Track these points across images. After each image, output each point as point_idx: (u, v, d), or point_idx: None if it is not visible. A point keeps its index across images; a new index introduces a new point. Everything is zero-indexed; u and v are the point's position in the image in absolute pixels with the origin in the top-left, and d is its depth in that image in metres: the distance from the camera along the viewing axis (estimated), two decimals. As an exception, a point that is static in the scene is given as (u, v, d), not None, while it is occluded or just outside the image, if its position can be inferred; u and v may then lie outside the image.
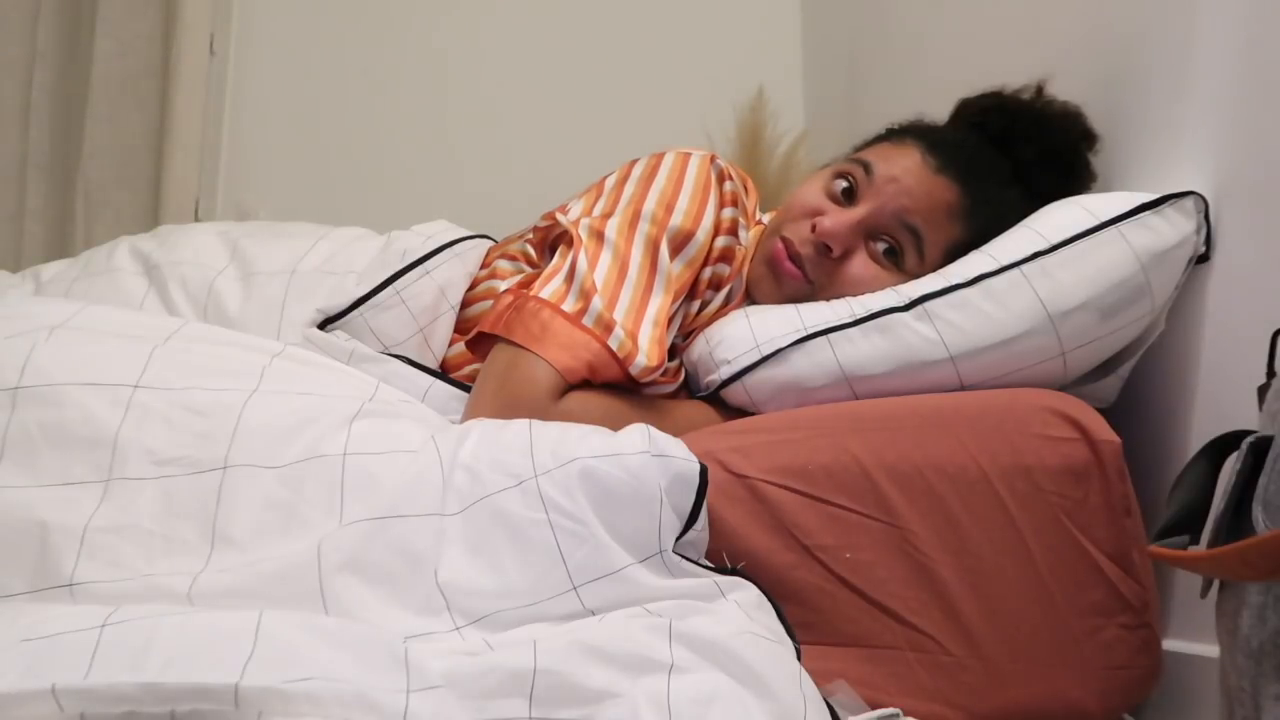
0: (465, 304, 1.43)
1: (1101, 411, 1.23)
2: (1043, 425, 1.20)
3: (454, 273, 1.42)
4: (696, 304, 1.39)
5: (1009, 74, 1.50)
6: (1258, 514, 0.80)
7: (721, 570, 1.06)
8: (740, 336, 1.33)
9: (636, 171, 1.39)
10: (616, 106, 2.72)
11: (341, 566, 0.98)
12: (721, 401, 1.35)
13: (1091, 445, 1.18)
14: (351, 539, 1.00)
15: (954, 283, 1.30)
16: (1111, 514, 1.17)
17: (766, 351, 1.31)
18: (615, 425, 1.12)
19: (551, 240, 1.37)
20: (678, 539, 1.04)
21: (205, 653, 0.83)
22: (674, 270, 1.33)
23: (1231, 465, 0.86)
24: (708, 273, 1.38)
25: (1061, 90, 1.47)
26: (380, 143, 2.75)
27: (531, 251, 1.44)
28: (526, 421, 1.13)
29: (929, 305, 1.29)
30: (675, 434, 1.11)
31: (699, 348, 1.36)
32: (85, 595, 0.95)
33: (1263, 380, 0.92)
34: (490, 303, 1.38)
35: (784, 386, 1.30)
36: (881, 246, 1.38)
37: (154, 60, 2.59)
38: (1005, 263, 1.29)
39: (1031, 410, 1.21)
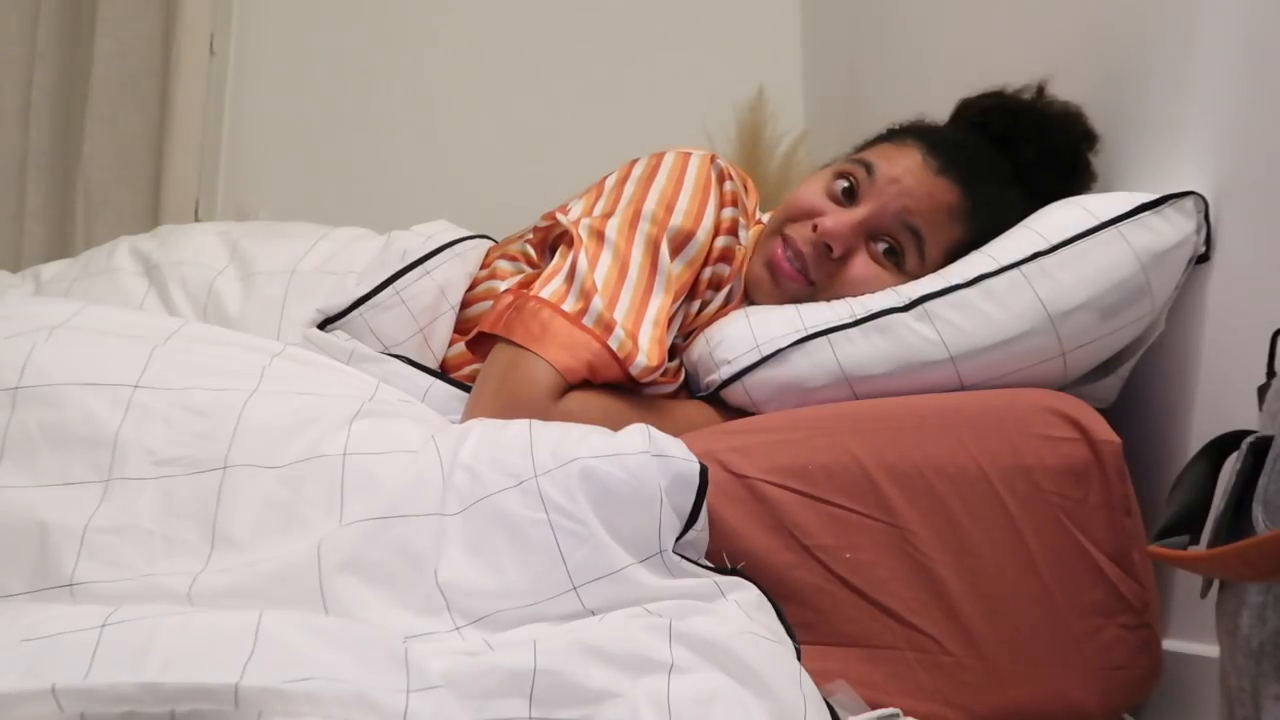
0: (465, 304, 1.43)
1: (1101, 411, 1.23)
2: (1043, 425, 1.20)
3: (454, 273, 1.42)
4: (696, 304, 1.39)
5: (1009, 74, 1.50)
6: (1258, 514, 0.80)
7: (721, 570, 1.06)
8: (740, 337, 1.33)
9: (637, 171, 1.39)
10: (616, 106, 2.73)
11: (341, 566, 0.98)
12: (721, 401, 1.35)
13: (1091, 445, 1.18)
14: (352, 539, 1.00)
15: (954, 283, 1.30)
16: (1111, 514, 1.17)
17: (766, 352, 1.31)
18: (615, 425, 1.12)
19: (552, 240, 1.37)
20: (678, 539, 1.05)
21: (205, 653, 0.83)
22: (674, 270, 1.33)
23: (1231, 465, 0.86)
24: (708, 273, 1.38)
25: (1061, 90, 1.47)
26: (380, 143, 2.75)
27: (531, 252, 1.44)
28: (526, 421, 1.13)
29: (929, 305, 1.29)
30: (675, 434, 1.11)
31: (699, 348, 1.36)
32: (85, 595, 0.95)
33: (1263, 380, 0.92)
34: (490, 303, 1.38)
35: (784, 387, 1.30)
36: (882, 247, 1.38)
37: (154, 60, 2.60)
38: (1005, 263, 1.29)
39: (1031, 410, 1.21)
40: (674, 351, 1.37)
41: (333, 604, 0.96)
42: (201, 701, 0.80)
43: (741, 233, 1.40)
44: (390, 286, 1.37)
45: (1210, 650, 0.99)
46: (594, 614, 1.00)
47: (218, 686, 0.80)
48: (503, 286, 1.40)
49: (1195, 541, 0.87)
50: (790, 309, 1.35)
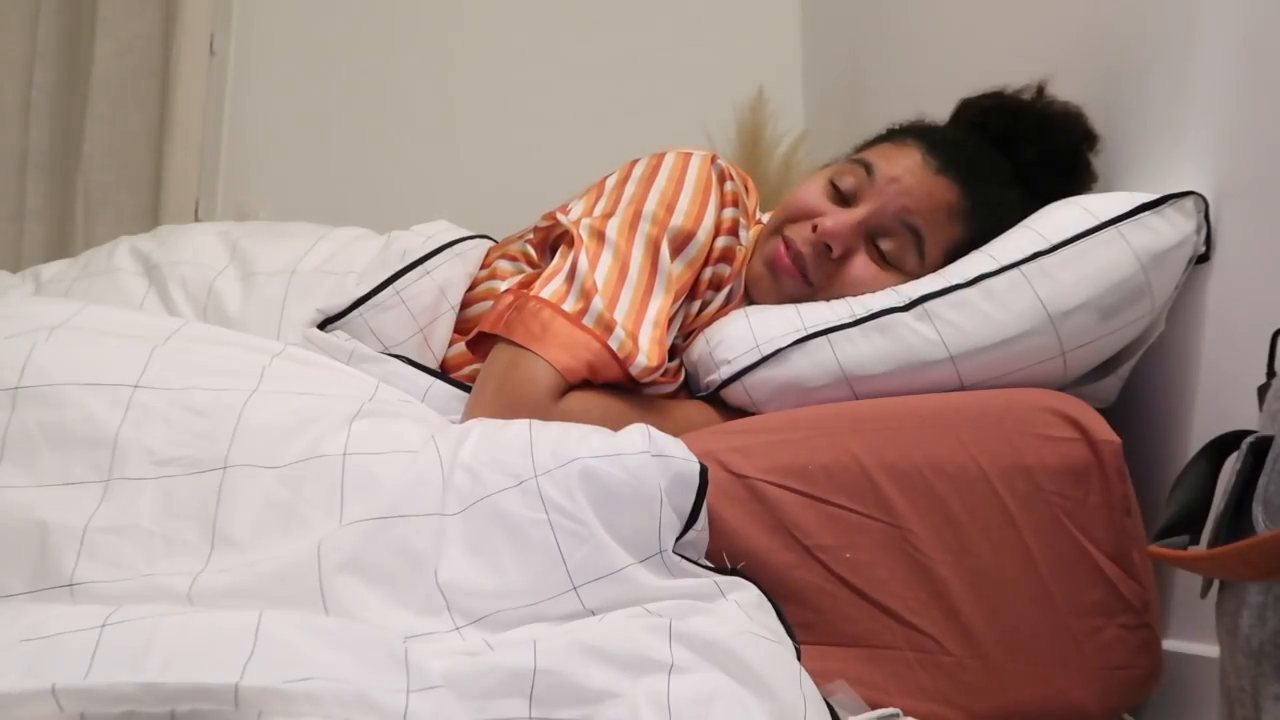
0: (465, 304, 1.43)
1: (1101, 411, 1.23)
2: (1043, 425, 1.20)
3: (454, 273, 1.42)
4: (697, 304, 1.38)
5: (1009, 74, 1.50)
6: (1258, 514, 0.80)
7: (721, 570, 1.06)
8: (740, 336, 1.33)
9: (637, 172, 1.39)
10: (616, 106, 2.73)
11: (341, 566, 0.98)
12: (721, 401, 1.35)
13: (1091, 445, 1.18)
14: (351, 539, 1.00)
15: (954, 283, 1.30)
16: (1111, 514, 1.17)
17: (766, 351, 1.31)
18: (615, 425, 1.12)
19: (552, 240, 1.37)
20: (678, 539, 1.04)
21: (205, 653, 0.83)
22: (674, 270, 1.33)
23: (1231, 465, 0.86)
24: (708, 273, 1.38)
25: (1061, 90, 1.47)
26: (380, 142, 2.75)
27: (532, 252, 1.44)
28: (526, 421, 1.13)
29: (929, 305, 1.29)
30: (675, 434, 1.11)
31: (699, 348, 1.36)
32: (85, 595, 0.95)
33: (1263, 380, 0.92)
34: (490, 303, 1.38)
35: (784, 386, 1.30)
36: (882, 247, 1.38)
37: (154, 60, 2.60)
38: (1005, 263, 1.29)
39: (1031, 410, 1.21)
40: (674, 351, 1.37)
41: (333, 604, 0.96)
42: (201, 701, 0.80)
43: (742, 233, 1.40)
44: (390, 286, 1.37)
45: (1210, 650, 0.99)
46: (594, 614, 1.00)
47: (218, 686, 0.80)
48: (503, 286, 1.40)
49: (1195, 541, 0.87)
50: (790, 309, 1.35)
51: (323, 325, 1.35)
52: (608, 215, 1.34)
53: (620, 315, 1.27)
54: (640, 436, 1.07)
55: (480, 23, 2.81)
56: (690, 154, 1.41)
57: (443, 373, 1.36)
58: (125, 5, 2.58)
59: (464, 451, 1.07)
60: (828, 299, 1.37)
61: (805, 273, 1.39)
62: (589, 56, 2.79)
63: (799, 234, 1.39)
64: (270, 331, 1.37)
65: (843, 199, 1.40)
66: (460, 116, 2.77)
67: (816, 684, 0.96)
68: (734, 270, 1.40)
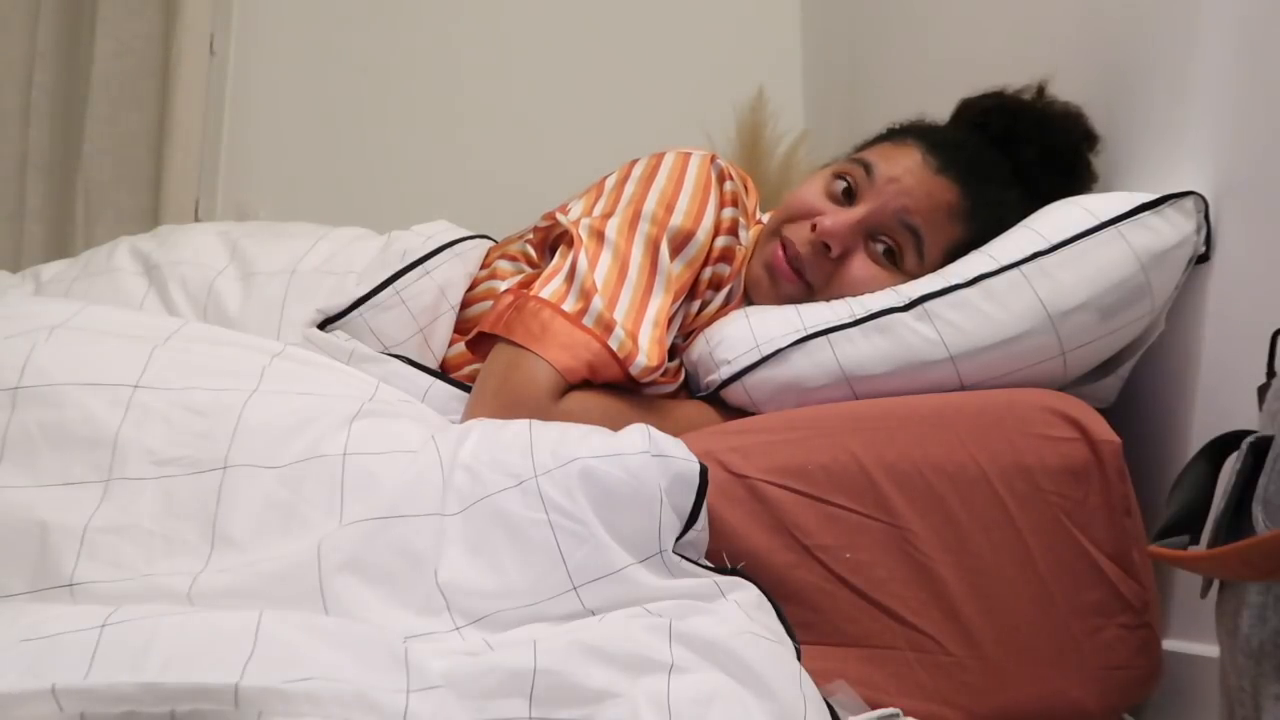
0: (465, 304, 1.43)
1: (1101, 411, 1.23)
2: (1043, 425, 1.20)
3: (454, 273, 1.42)
4: (696, 304, 1.39)
5: (1009, 74, 1.50)
6: (1258, 514, 0.80)
7: (721, 570, 1.06)
8: (740, 336, 1.33)
9: (637, 171, 1.39)
10: (616, 106, 2.73)
11: (341, 566, 0.98)
12: (721, 401, 1.35)
13: (1091, 445, 1.18)
14: (351, 539, 1.00)
15: (954, 283, 1.30)
16: (1111, 514, 1.17)
17: (766, 352, 1.31)
18: (615, 425, 1.12)
19: (552, 240, 1.37)
20: (678, 539, 1.05)
21: (205, 653, 0.83)
22: (674, 270, 1.33)
23: (1231, 465, 0.86)
24: (708, 273, 1.38)
25: (1061, 90, 1.47)
26: (380, 142, 2.75)
27: (531, 252, 1.44)
28: (526, 421, 1.13)
29: (929, 305, 1.29)
30: (675, 434, 1.11)
31: (699, 348, 1.36)
32: (85, 595, 0.95)
33: (1263, 380, 0.92)
34: (490, 303, 1.38)
35: (784, 386, 1.30)
36: (881, 247, 1.38)
37: (154, 60, 2.60)
38: (1005, 263, 1.29)
39: (1031, 410, 1.21)
40: (674, 351, 1.37)
41: (333, 604, 0.96)
42: (201, 701, 0.80)
43: (741, 233, 1.40)
44: (390, 286, 1.37)
45: (1210, 650, 0.99)
46: (594, 614, 1.00)
47: (218, 686, 0.80)
48: (503, 286, 1.40)
49: (1195, 541, 0.87)
50: (790, 309, 1.35)
51: (323, 325, 1.35)
52: (607, 215, 1.34)
53: (620, 315, 1.27)
54: (640, 436, 1.07)
55: (480, 23, 2.81)
56: (690, 154, 1.41)
57: (443, 373, 1.36)
58: (125, 5, 2.58)
59: (464, 451, 1.07)
60: (827, 299, 1.37)
61: (804, 273, 1.39)
62: (589, 56, 2.79)
63: (798, 233, 1.39)
64: (270, 331, 1.37)
65: (842, 199, 1.40)
66: (460, 116, 2.77)
67: (816, 684, 0.97)
68: (734, 270, 1.40)
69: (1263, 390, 0.91)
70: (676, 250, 1.33)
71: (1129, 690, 1.18)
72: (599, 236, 1.31)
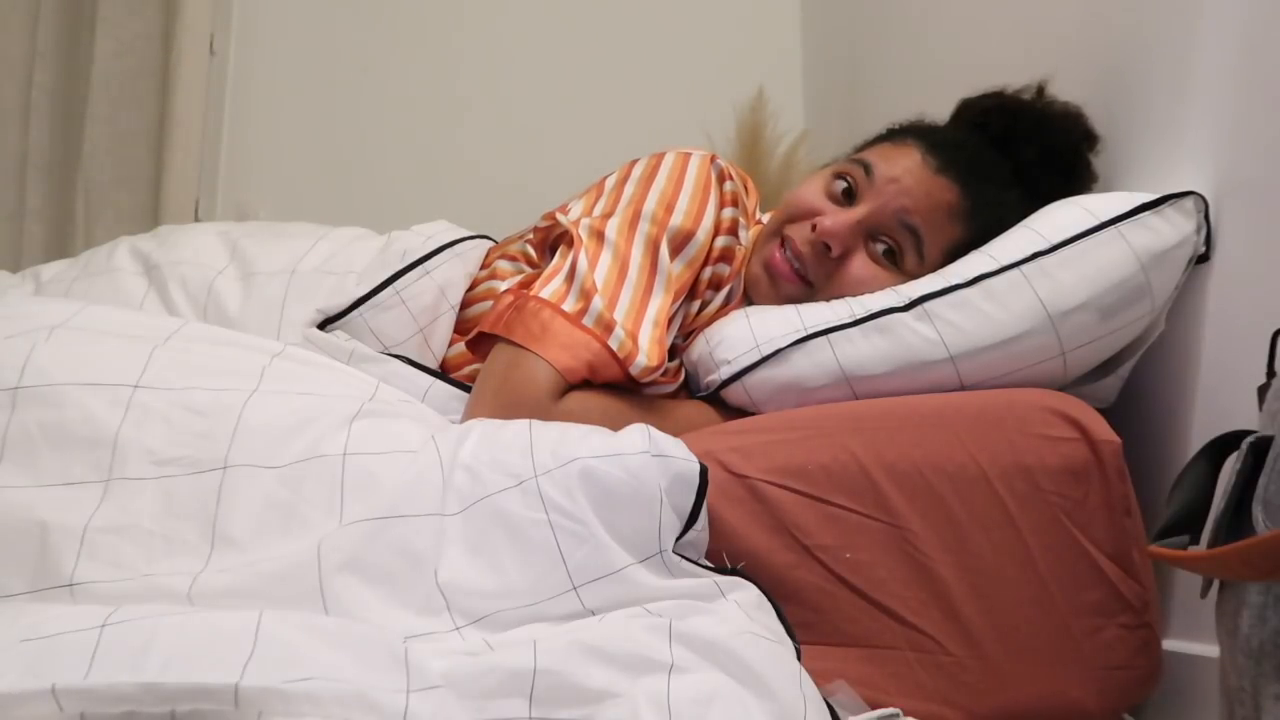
0: (465, 304, 1.43)
1: (1101, 411, 1.23)
2: (1043, 425, 1.20)
3: (454, 273, 1.42)
4: (696, 304, 1.39)
5: (1009, 74, 1.50)
6: (1258, 514, 0.80)
7: (721, 570, 1.06)
8: (740, 336, 1.33)
9: (637, 172, 1.39)
10: (616, 106, 2.73)
11: (341, 566, 0.98)
12: (721, 401, 1.35)
13: (1091, 445, 1.18)
14: (351, 539, 1.00)
15: (954, 283, 1.30)
16: (1111, 514, 1.17)
17: (766, 351, 1.31)
18: (615, 425, 1.12)
19: (552, 240, 1.37)
20: (678, 539, 1.05)
21: (205, 653, 0.83)
22: (674, 270, 1.33)
23: (1231, 465, 0.86)
24: (708, 272, 1.38)
25: (1061, 90, 1.47)
26: (380, 142, 2.76)
27: (531, 252, 1.44)
28: (526, 421, 1.13)
29: (929, 305, 1.29)
30: (675, 434, 1.11)
31: (699, 348, 1.36)
32: (85, 595, 0.95)
33: (1263, 380, 0.92)
34: (490, 303, 1.38)
35: (784, 386, 1.30)
36: (881, 247, 1.38)
37: (154, 60, 2.60)
38: (1005, 263, 1.29)
39: (1031, 410, 1.21)
40: (674, 351, 1.37)
41: (333, 604, 0.96)
42: (201, 701, 0.80)
43: (741, 233, 1.40)
44: (390, 286, 1.37)
45: (1210, 650, 0.99)
46: (594, 614, 1.00)
47: (218, 686, 0.80)
48: (503, 287, 1.40)
49: (1195, 541, 0.87)
50: (790, 309, 1.35)
51: (323, 325, 1.35)
52: (607, 215, 1.34)
53: (620, 315, 1.27)
54: (640, 436, 1.07)
55: (480, 23, 2.81)
56: (689, 154, 1.41)
57: (443, 373, 1.36)
58: (125, 5, 2.59)
59: (464, 451, 1.07)
60: (827, 299, 1.37)
61: (804, 274, 1.39)
62: (589, 56, 2.79)
63: (798, 234, 1.39)
64: (270, 331, 1.37)
65: (842, 199, 1.40)
66: (460, 116, 2.78)
67: (816, 684, 0.96)
68: (733, 270, 1.40)
69: (1263, 390, 0.91)
70: (676, 250, 1.33)
71: (1129, 690, 1.18)
72: (599, 236, 1.31)
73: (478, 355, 1.32)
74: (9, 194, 2.59)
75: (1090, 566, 1.17)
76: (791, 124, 2.55)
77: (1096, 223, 1.28)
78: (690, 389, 1.39)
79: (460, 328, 1.42)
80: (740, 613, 1.00)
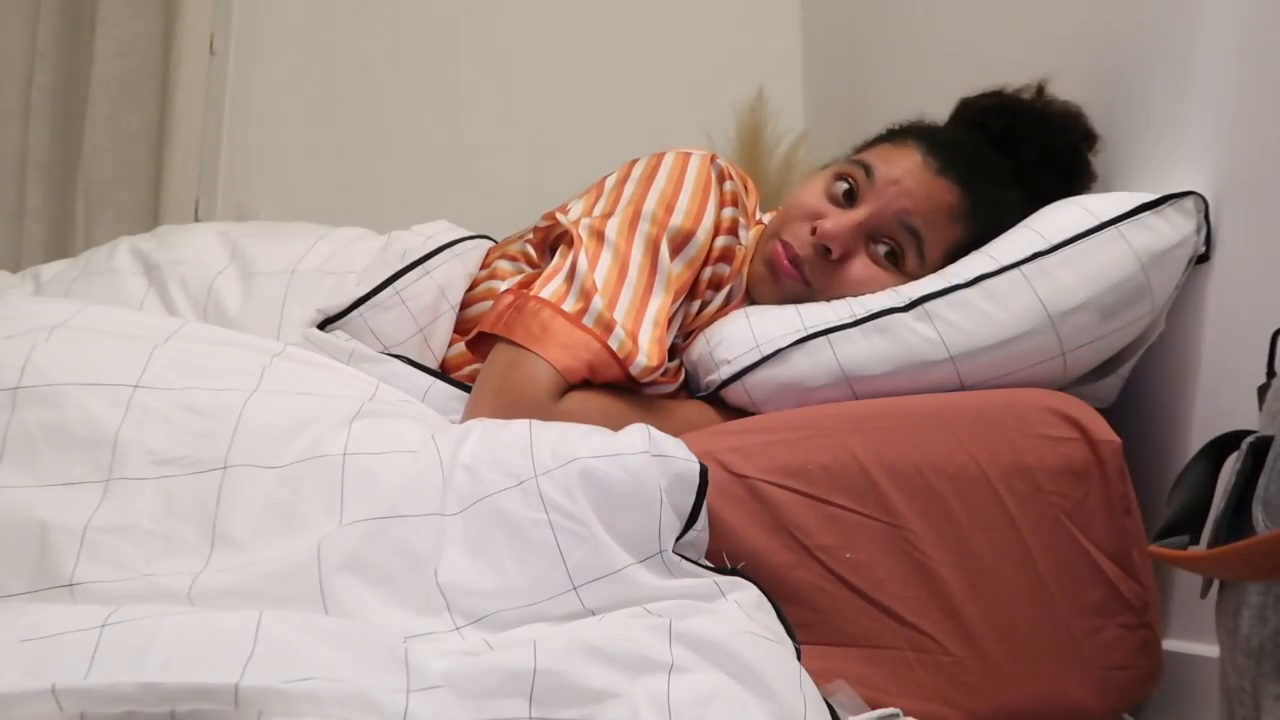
0: (465, 304, 1.43)
1: (1101, 411, 1.23)
2: (1043, 425, 1.20)
3: (454, 273, 1.42)
4: (697, 304, 1.39)
5: (1009, 73, 1.50)
6: (1258, 514, 0.80)
7: (721, 570, 1.06)
8: (740, 336, 1.33)
9: (637, 171, 1.39)
10: (616, 106, 2.73)
11: (341, 566, 0.98)
12: (721, 401, 1.35)
13: (1091, 445, 1.18)
14: (351, 539, 1.00)
15: (954, 283, 1.30)
16: (1111, 514, 1.17)
17: (766, 351, 1.31)
18: (615, 425, 1.12)
19: (552, 240, 1.37)
20: (678, 539, 1.05)
21: (205, 653, 0.83)
22: (674, 270, 1.33)
23: (1231, 465, 0.86)
24: (708, 272, 1.38)
25: (1061, 90, 1.47)
26: (380, 142, 2.76)
27: (531, 252, 1.44)
28: (526, 421, 1.13)
29: (929, 305, 1.29)
30: (675, 434, 1.11)
31: (699, 348, 1.36)
32: (85, 595, 0.95)
33: (1263, 380, 0.92)
34: (490, 303, 1.38)
35: (784, 386, 1.30)
36: (882, 248, 1.38)
37: (154, 60, 2.60)
38: (1005, 263, 1.29)
39: (1031, 410, 1.21)
40: (674, 351, 1.37)
41: (333, 604, 0.96)
42: (201, 701, 0.80)
43: (741, 232, 1.40)
44: (390, 286, 1.37)
45: (1210, 650, 0.99)
46: (594, 614, 1.00)
47: (218, 686, 0.80)
48: (503, 286, 1.40)
49: (1195, 541, 0.87)
50: (790, 309, 1.35)
51: (323, 325, 1.35)
52: (607, 215, 1.34)
53: (620, 315, 1.27)
54: (640, 436, 1.07)
55: (480, 23, 2.81)
56: (690, 153, 1.41)
57: (443, 373, 1.36)
58: (125, 5, 2.58)
59: (464, 451, 1.07)
60: (827, 300, 1.37)
61: (804, 275, 1.39)
62: (589, 56, 2.79)
63: (798, 236, 1.39)
64: (270, 331, 1.37)
65: (842, 200, 1.40)
66: (460, 116, 2.78)
67: (816, 684, 0.96)
68: (734, 270, 1.40)
69: (1263, 390, 0.91)
70: (676, 250, 1.33)
71: (1129, 690, 1.18)
72: (599, 236, 1.31)
73: (478, 355, 1.32)
74: (9, 194, 2.59)
75: (1090, 566, 1.17)
76: (791, 124, 2.55)
77: (1097, 223, 1.28)
78: (690, 389, 1.39)
79: (460, 328, 1.42)
80: (740, 613, 1.00)
